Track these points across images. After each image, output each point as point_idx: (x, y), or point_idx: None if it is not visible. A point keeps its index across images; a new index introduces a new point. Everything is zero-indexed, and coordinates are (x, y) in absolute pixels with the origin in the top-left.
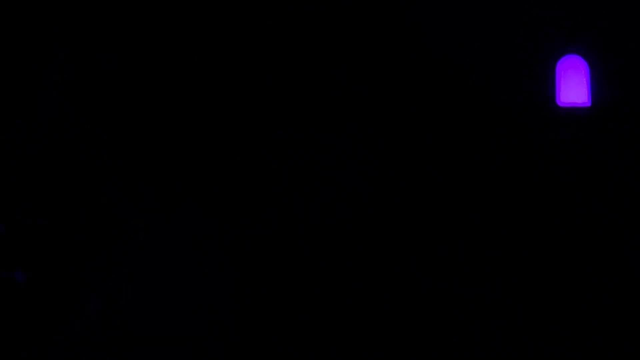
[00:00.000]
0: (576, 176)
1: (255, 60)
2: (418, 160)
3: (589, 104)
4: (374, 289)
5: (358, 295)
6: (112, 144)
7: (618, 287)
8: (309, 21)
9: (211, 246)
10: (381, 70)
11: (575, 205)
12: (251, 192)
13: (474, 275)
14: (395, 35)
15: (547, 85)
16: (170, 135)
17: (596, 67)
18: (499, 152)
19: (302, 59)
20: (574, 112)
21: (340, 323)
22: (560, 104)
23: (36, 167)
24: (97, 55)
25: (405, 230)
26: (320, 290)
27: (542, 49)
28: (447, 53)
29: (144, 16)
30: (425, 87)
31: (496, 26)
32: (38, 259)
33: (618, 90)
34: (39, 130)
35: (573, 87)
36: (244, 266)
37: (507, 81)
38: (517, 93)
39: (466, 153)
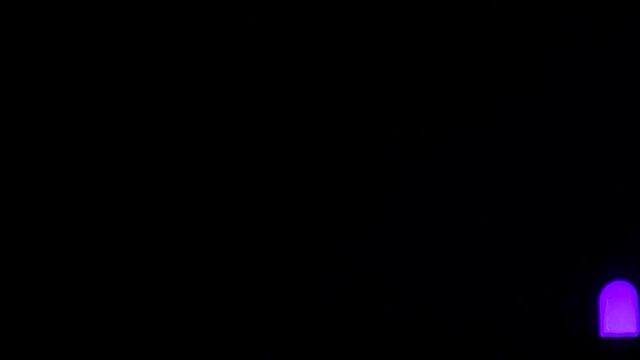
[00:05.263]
0: None
1: (255, 61)
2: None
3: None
4: (373, 288)
5: (357, 296)
6: (112, 143)
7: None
8: (309, 21)
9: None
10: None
11: None
12: (252, 192)
13: (474, 275)
14: None
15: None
16: (171, 135)
17: None
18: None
19: (302, 59)
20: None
21: (339, 323)
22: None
23: (36, 167)
24: (97, 55)
25: (404, 229)
26: (319, 290)
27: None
28: None
29: (143, 16)
30: None
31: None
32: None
33: None
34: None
35: (620, 315)
36: (243, 267)
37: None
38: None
39: None
